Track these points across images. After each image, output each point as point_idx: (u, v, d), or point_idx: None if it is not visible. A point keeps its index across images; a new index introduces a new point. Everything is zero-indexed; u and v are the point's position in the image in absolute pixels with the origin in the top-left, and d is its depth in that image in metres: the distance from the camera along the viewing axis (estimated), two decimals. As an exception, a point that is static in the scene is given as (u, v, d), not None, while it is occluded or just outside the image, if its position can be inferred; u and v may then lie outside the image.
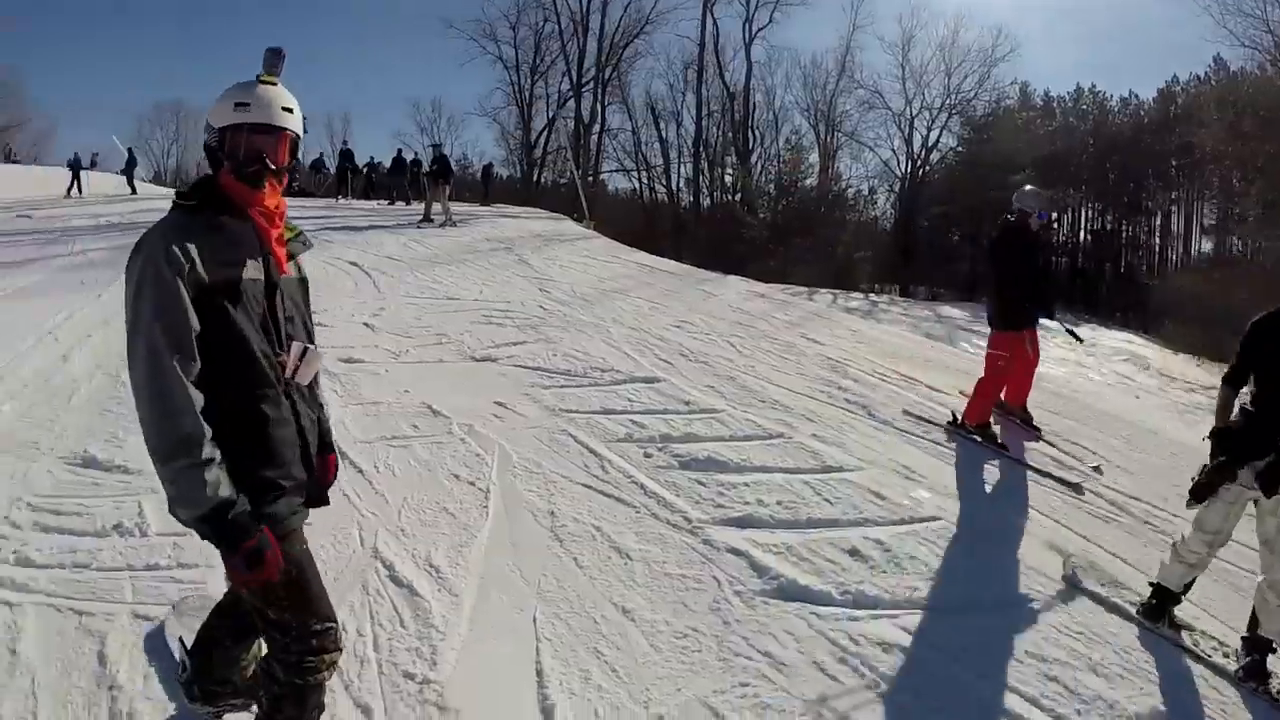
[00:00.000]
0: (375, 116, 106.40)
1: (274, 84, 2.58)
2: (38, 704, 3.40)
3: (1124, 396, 19.18)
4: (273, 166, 2.52)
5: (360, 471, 5.58)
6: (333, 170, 32.33)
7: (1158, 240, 59.86)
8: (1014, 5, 75.29)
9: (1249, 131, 31.34)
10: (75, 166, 30.11)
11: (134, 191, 30.10)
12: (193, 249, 2.38)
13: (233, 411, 2.44)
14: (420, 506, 5.13)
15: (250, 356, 2.48)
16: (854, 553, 4.79)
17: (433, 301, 11.19)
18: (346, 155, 30.73)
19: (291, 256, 2.74)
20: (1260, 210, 33.04)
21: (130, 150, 32.52)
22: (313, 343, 2.74)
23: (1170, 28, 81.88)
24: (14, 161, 47.24)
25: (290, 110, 2.56)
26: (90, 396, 7.13)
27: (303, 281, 2.83)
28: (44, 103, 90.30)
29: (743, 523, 5.09)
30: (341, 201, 27.81)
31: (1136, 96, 60.98)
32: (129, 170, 31.81)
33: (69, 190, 28.75)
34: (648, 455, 6.05)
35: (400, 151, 30.31)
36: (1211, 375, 21.99)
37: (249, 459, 2.46)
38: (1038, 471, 6.57)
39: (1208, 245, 54.41)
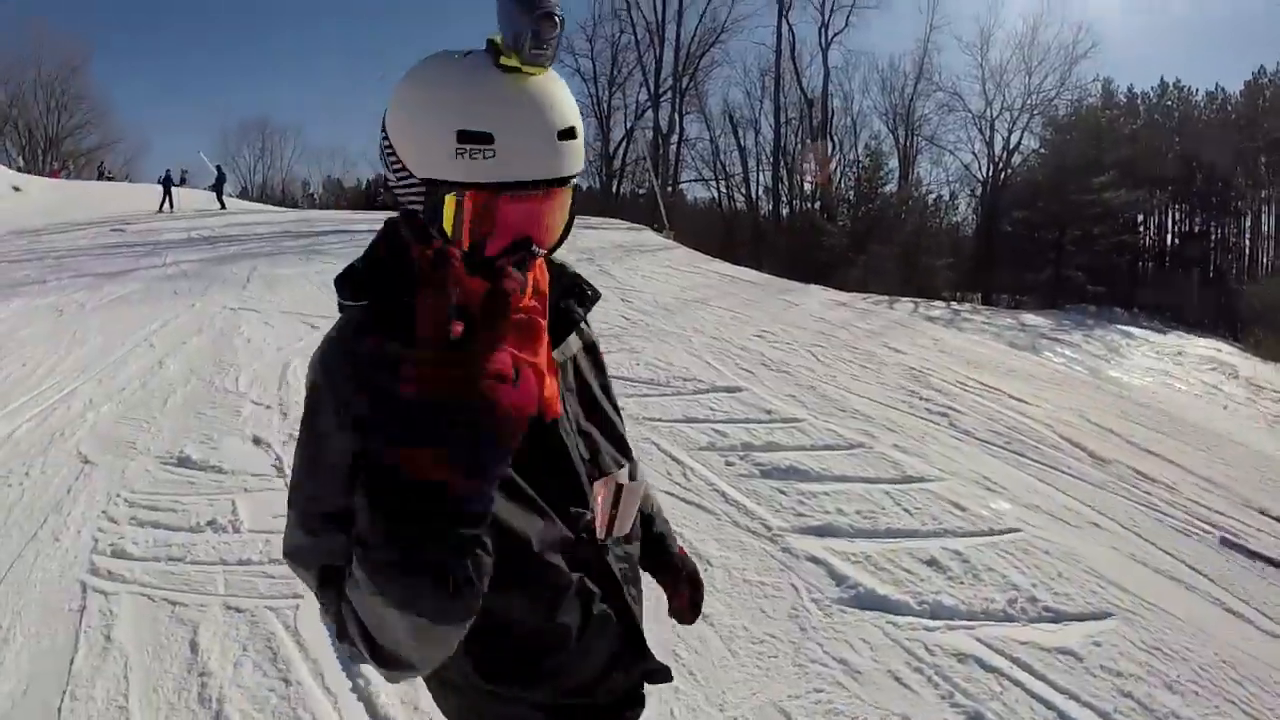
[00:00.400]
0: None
1: (541, 71, 1.22)
2: (129, 686, 3.58)
3: (1211, 407, 18.77)
4: (541, 252, 1.27)
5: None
6: None
7: (1248, 242, 58.56)
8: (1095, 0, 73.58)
9: None
10: (166, 183, 30.71)
11: (223, 207, 31.11)
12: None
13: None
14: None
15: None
16: (932, 563, 4.83)
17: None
18: None
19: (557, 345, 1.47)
20: None
21: (219, 168, 33.84)
22: (627, 457, 1.58)
23: (1256, 19, 79.42)
24: (108, 178, 48.72)
25: (573, 133, 1.25)
26: (185, 400, 7.46)
27: (595, 364, 1.64)
28: (134, 122, 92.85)
29: (822, 531, 5.16)
30: None
31: (1223, 90, 59.60)
32: (218, 186, 32.88)
33: (161, 205, 29.55)
34: (729, 464, 6.14)
35: None
36: None
37: None
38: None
39: None
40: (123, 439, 6.45)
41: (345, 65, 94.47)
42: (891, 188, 55.22)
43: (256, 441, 6.35)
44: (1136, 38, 77.67)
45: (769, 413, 7.31)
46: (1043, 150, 53.49)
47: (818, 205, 53.68)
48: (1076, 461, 6.95)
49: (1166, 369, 24.54)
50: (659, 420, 7.04)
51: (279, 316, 10.61)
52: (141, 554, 4.67)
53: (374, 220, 24.62)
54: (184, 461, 5.96)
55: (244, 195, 57.91)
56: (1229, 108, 58.86)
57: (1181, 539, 5.74)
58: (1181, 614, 4.59)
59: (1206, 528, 5.98)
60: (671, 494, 5.60)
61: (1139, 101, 61.14)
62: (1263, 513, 6.50)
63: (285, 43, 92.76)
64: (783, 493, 5.68)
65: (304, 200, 67.11)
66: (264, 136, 70.66)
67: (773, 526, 5.18)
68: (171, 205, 29.85)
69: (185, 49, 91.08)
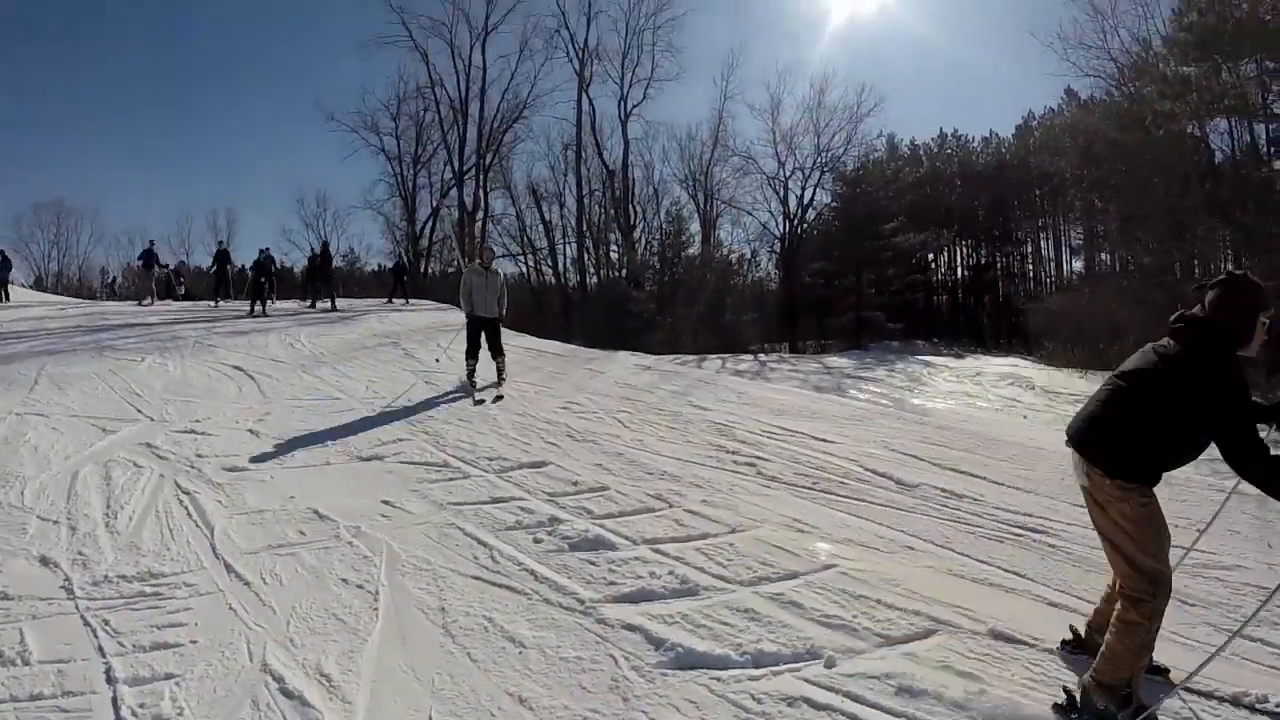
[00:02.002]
0: (259, 213, 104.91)
1: None
2: None
3: (1012, 418, 19.65)
4: None
5: (246, 584, 5.41)
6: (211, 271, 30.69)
7: (1030, 267, 63.38)
8: (875, 60, 78.25)
9: (1101, 153, 33.27)
10: None
11: (6, 298, 27.52)
12: None
13: None
14: (309, 614, 4.98)
15: None
16: (749, 613, 4.79)
17: (318, 402, 11.01)
18: (223, 256, 27.92)
19: None
20: (1119, 224, 34.92)
21: (1, 252, 29.25)
22: None
23: (1023, 66, 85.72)
24: None
25: None
26: None
27: None
28: None
29: (636, 597, 5.07)
30: (222, 305, 25.53)
31: (997, 135, 64.47)
32: (1, 274, 28.83)
33: None
34: (537, 540, 6.01)
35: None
36: (1094, 385, 22.68)
37: None
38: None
39: (1078, 264, 57.93)
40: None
41: (140, 147, 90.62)
42: (695, 251, 56.48)
43: (44, 561, 5.85)
44: (916, 93, 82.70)
45: (575, 484, 7.23)
46: (835, 204, 56.02)
47: (624, 274, 54.36)
48: (884, 491, 7.10)
49: (968, 390, 25.59)
50: (463, 504, 6.85)
51: (68, 421, 9.91)
52: (-76, 693, 4.26)
53: (172, 312, 23.73)
54: None
55: (38, 285, 54.82)
56: (1003, 150, 63.37)
57: (995, 546, 5.90)
58: (1005, 616, 4.71)
59: (1019, 532, 6.14)
60: (479, 578, 5.43)
61: (921, 151, 65.33)
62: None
63: (83, 120, 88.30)
64: (593, 563, 5.58)
65: (103, 290, 63.85)
66: (59, 219, 66.76)
67: (585, 599, 5.05)
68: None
69: None
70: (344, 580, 5.45)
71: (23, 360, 14.25)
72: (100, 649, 4.58)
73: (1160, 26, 30.35)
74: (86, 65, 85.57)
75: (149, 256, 28.46)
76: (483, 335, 11.86)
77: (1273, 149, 30.50)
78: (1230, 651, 3.97)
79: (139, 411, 10.37)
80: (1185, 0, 28.59)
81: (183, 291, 29.42)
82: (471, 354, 11.82)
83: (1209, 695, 3.98)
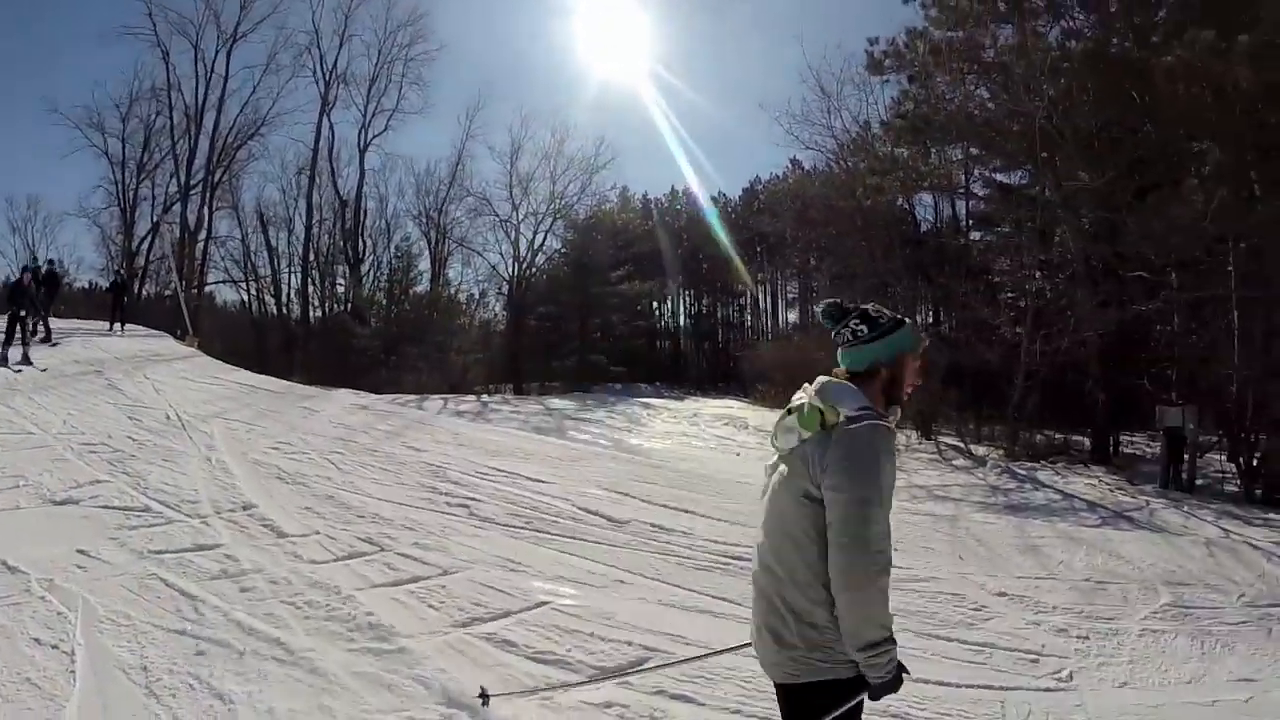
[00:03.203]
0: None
1: None
2: None
3: (725, 456, 20.45)
4: None
5: (-83, 654, 5.00)
6: None
7: (748, 317, 66.49)
8: (616, 120, 79.87)
9: (815, 218, 36.17)
10: None
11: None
12: None
13: None
14: (-2, 681, 4.69)
15: None
16: (462, 653, 4.88)
17: (7, 437, 10.14)
18: None
19: None
20: (829, 282, 38.24)
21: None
22: None
23: (756, 135, 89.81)
24: None
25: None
26: None
27: None
28: None
29: (347, 643, 5.06)
30: None
31: (725, 195, 67.23)
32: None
33: None
34: (244, 590, 5.86)
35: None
36: None
37: None
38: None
39: (794, 316, 61.42)
40: None
41: None
42: (423, 288, 55.88)
43: None
44: (651, 153, 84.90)
45: (285, 530, 7.11)
46: (565, 250, 56.63)
47: (349, 308, 53.15)
48: (597, 529, 7.34)
49: (684, 430, 26.38)
50: (165, 552, 6.55)
51: None
52: None
53: None
54: None
55: None
56: (730, 210, 66.50)
57: (704, 575, 6.23)
58: (715, 639, 4.85)
59: (726, 560, 6.48)
60: (184, 632, 5.20)
61: (652, 206, 67.38)
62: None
63: None
64: (303, 611, 5.51)
65: None
66: None
67: (296, 649, 4.96)
68: None
69: None
70: (37, 640, 5.09)
71: None
72: None
73: (881, 111, 33.26)
74: None
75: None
76: None
77: (970, 221, 34.78)
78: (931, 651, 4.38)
79: None
80: (903, 92, 31.65)
81: None
82: None
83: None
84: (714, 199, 66.64)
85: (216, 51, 50.89)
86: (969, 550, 7.59)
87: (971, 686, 5.00)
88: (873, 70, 32.13)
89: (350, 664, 4.79)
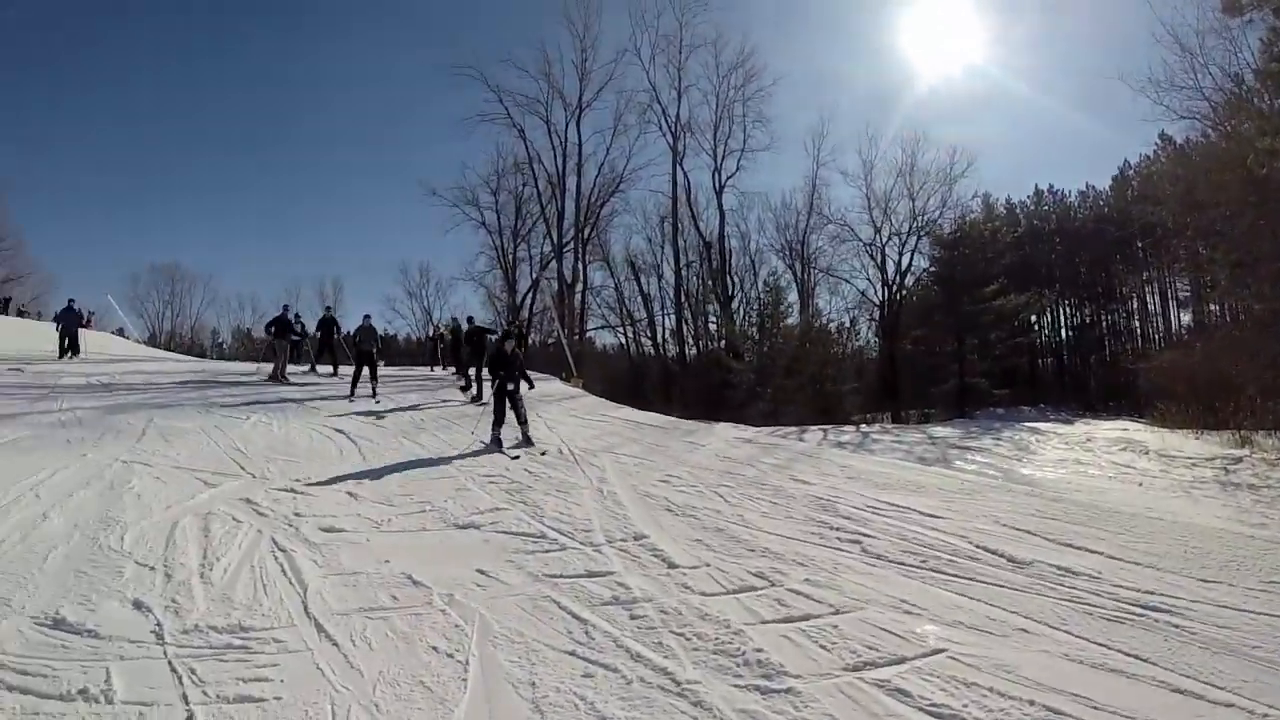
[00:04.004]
0: (365, 282, 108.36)
1: None
2: None
3: (1127, 486, 18.83)
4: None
5: (335, 644, 5.36)
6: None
7: (1137, 323, 61.29)
8: (964, 122, 77.23)
9: (1203, 199, 31.31)
10: (70, 322, 26.56)
11: (76, 352, 26.72)
12: None
13: None
14: (396, 680, 4.89)
15: None
16: (854, 699, 4.57)
17: (417, 468, 11.04)
18: (328, 324, 24.70)
19: None
20: (1228, 272, 32.77)
21: (72, 303, 28.14)
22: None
23: (1115, 114, 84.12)
24: (22, 314, 47.05)
25: None
26: (67, 557, 6.99)
27: None
28: (43, 258, 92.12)
29: (734, 679, 4.86)
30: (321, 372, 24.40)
31: (1093, 188, 63.18)
32: (70, 323, 27.29)
33: (65, 350, 26.13)
34: (634, 617, 5.84)
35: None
36: (1211, 446, 21.74)
37: None
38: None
39: (1187, 317, 55.72)
40: (-2, 594, 6.06)
41: (253, 216, 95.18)
42: (793, 320, 56.13)
43: (137, 605, 5.93)
44: (1008, 151, 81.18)
45: (675, 561, 7.06)
46: (933, 268, 54.98)
47: (722, 344, 54.26)
48: (995, 569, 6.77)
49: (1078, 458, 24.55)
50: (560, 577, 6.73)
51: (172, 472, 10.19)
52: (6, 720, 4.29)
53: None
54: (59, 624, 5.58)
55: (151, 341, 57.64)
56: (1101, 202, 62.07)
57: (1115, 627, 5.55)
58: (1127, 705, 4.43)
59: (1140, 611, 5.79)
60: (573, 653, 5.26)
61: (1018, 210, 64.39)
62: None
63: (202, 191, 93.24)
64: (691, 643, 5.38)
65: (212, 350, 66.67)
66: (174, 282, 70.32)
67: (681, 680, 4.83)
68: (76, 349, 26.38)
69: (101, 191, 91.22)
70: (434, 648, 5.35)
71: (132, 411, 14.78)
72: (184, 696, 4.59)
73: (1251, 59, 28.82)
74: (206, 141, 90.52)
75: (283, 324, 22.96)
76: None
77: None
78: None
79: (241, 468, 10.57)
80: (1272, 30, 27.23)
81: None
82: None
83: None
84: (1081, 193, 62.68)
85: (567, 123, 55.26)
86: None
87: None
88: (1229, 10, 27.78)
89: (735, 700, 4.57)
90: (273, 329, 22.65)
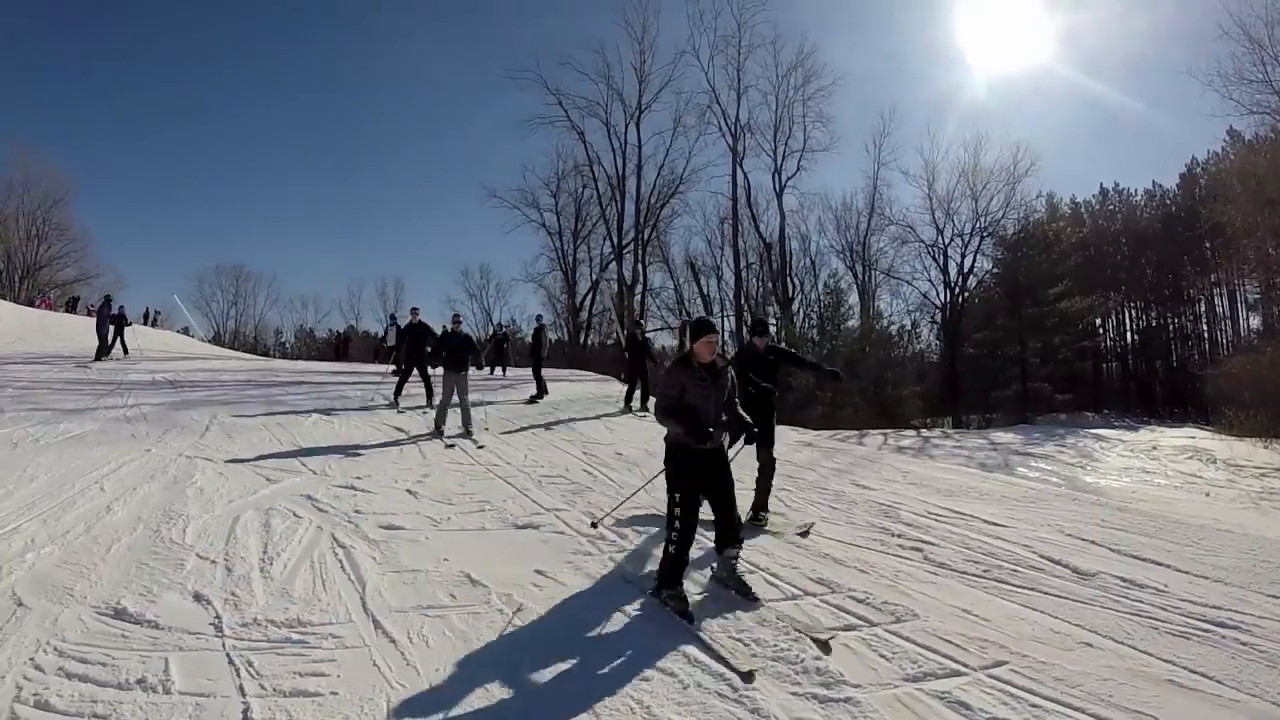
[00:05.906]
0: (425, 283, 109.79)
1: None
2: None
3: (1193, 497, 18.47)
4: None
5: (393, 641, 5.40)
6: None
7: (1205, 327, 59.79)
8: (1028, 120, 76.25)
9: (1274, 196, 30.20)
10: (114, 320, 26.42)
11: (126, 352, 26.84)
12: None
13: None
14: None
15: None
16: (915, 712, 4.54)
17: (476, 467, 11.09)
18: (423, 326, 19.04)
19: None
20: None
21: (107, 298, 27.51)
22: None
23: (1182, 110, 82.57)
24: (91, 313, 48.18)
25: None
26: (129, 548, 7.12)
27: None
28: (112, 258, 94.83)
29: (792, 686, 4.83)
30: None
31: (1160, 186, 61.70)
32: (115, 323, 26.88)
33: (103, 350, 25.65)
34: (692, 621, 5.78)
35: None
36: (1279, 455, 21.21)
37: None
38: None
39: (1256, 321, 53.88)
40: (60, 584, 6.20)
41: (316, 219, 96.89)
42: (854, 323, 55.76)
43: (197, 598, 6.03)
44: (1072, 150, 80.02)
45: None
46: (996, 270, 54.33)
47: (783, 346, 54.07)
48: (1059, 580, 6.68)
49: (1144, 466, 24.19)
50: (617, 578, 6.75)
51: (234, 467, 10.36)
52: (65, 708, 4.42)
53: (338, 371, 24.46)
54: (120, 614, 5.68)
55: (216, 340, 59.14)
56: (1168, 201, 60.69)
57: (1181, 642, 5.46)
58: None
59: (1207, 627, 5.67)
60: (630, 658, 5.24)
61: (1082, 210, 63.15)
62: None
63: (266, 192, 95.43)
64: (749, 647, 5.35)
65: (275, 349, 67.89)
66: (238, 282, 72.71)
67: (738, 685, 4.81)
68: (125, 348, 26.56)
69: (168, 193, 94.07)
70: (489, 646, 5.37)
71: (196, 408, 15.11)
72: (241, 688, 4.64)
73: None
74: (269, 145, 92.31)
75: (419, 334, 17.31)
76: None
77: None
78: None
79: (302, 464, 10.64)
80: None
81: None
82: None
83: None
84: (1148, 191, 61.34)
85: (626, 125, 55.80)
86: None
87: None
88: (1297, -5, 26.68)
89: (793, 708, 4.54)
90: (404, 341, 17.99)
